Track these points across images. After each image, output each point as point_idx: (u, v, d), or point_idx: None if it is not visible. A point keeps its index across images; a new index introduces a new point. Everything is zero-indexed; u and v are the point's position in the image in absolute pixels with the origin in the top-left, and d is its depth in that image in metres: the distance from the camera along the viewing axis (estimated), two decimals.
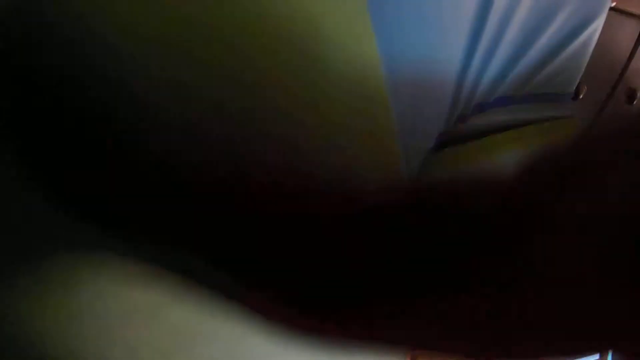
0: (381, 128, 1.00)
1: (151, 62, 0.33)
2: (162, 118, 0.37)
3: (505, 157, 1.64)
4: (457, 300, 0.57)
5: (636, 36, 1.75)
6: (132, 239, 0.46)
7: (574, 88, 1.62)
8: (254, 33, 0.39)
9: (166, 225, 0.48)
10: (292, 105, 0.48)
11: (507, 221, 0.62)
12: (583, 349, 0.55)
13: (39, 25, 0.37)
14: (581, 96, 1.77)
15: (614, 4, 1.79)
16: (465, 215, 0.67)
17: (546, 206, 0.57)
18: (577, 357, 0.55)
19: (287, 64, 0.46)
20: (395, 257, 0.66)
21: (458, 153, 1.60)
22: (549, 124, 1.64)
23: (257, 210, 0.52)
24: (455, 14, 1.20)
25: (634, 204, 0.48)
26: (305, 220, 0.57)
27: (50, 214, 0.40)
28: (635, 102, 2.04)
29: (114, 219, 0.44)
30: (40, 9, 0.37)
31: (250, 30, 0.39)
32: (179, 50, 0.35)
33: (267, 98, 0.44)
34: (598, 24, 1.46)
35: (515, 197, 0.66)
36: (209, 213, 0.48)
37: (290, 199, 0.56)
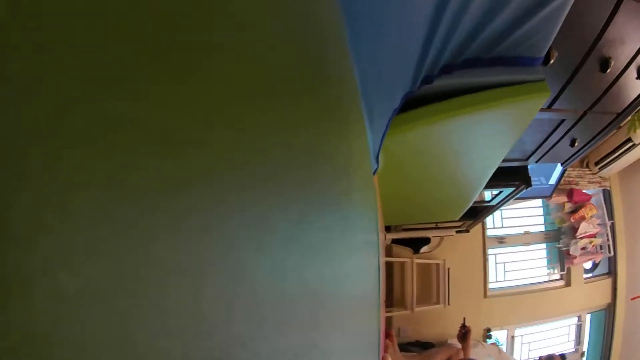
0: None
1: None
2: None
3: (471, 119, 1.61)
4: None
5: (612, 5, 1.71)
6: None
7: (545, 53, 1.58)
8: None
9: None
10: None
11: None
12: None
13: None
14: (552, 61, 1.72)
15: None
16: None
17: None
18: None
19: None
20: None
21: (425, 113, 1.57)
22: (518, 87, 1.60)
23: None
24: None
25: None
26: None
27: None
28: (608, 71, 2.01)
29: None
30: None
31: None
32: None
33: None
34: None
35: None
36: None
37: None
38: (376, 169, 1.73)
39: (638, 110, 3.02)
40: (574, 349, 5.59)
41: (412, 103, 1.56)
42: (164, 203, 0.28)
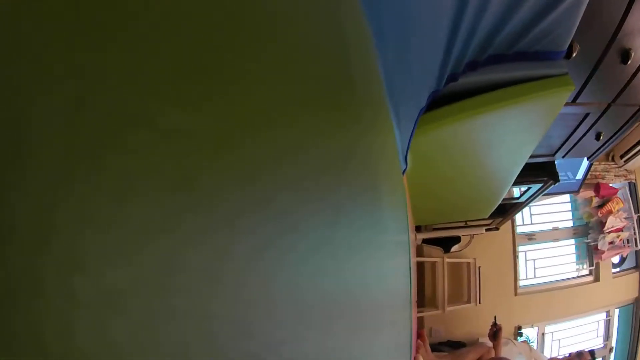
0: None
1: None
2: None
3: (497, 116, 1.60)
4: None
5: None
6: None
7: (567, 47, 1.57)
8: None
9: None
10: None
11: None
12: None
13: None
14: (574, 55, 1.71)
15: None
16: None
17: None
18: None
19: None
20: None
21: (452, 111, 1.56)
22: (542, 82, 1.59)
23: None
24: None
25: None
26: None
27: None
28: (629, 62, 1.98)
29: None
30: None
31: None
32: None
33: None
34: None
35: None
36: None
37: None
38: (405, 169, 1.73)
39: None
40: (602, 345, 5.50)
41: (439, 102, 1.55)
42: (218, 204, 0.29)
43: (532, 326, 5.15)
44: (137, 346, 0.21)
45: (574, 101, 2.18)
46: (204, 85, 0.29)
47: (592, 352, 3.33)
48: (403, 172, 1.72)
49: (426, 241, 4.48)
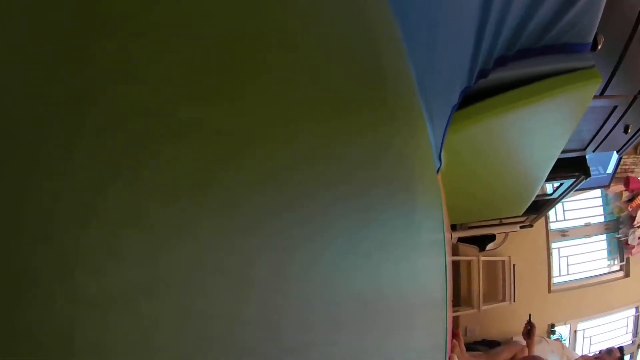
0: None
1: None
2: None
3: (528, 111, 1.60)
4: None
5: None
6: None
7: (592, 39, 1.57)
8: None
9: None
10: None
11: None
12: None
13: None
14: (599, 46, 1.70)
15: None
16: None
17: None
18: None
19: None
20: None
21: (484, 107, 1.57)
22: (571, 75, 1.59)
23: None
24: None
25: None
26: None
27: None
28: None
29: None
30: None
31: None
32: None
33: None
34: None
35: None
36: None
37: None
38: (439, 168, 1.73)
39: None
40: (631, 341, 5.42)
41: (470, 99, 1.56)
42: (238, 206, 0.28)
43: (565, 324, 5.09)
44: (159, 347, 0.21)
45: (601, 94, 2.17)
46: (235, 85, 0.29)
47: (621, 349, 3.29)
48: (438, 170, 1.72)
49: (461, 240, 4.46)
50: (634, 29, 1.82)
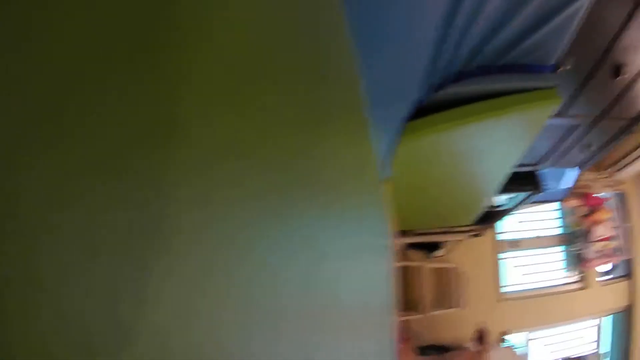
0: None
1: None
2: None
3: (483, 126, 1.59)
4: None
5: (625, 14, 1.68)
6: None
7: (556, 60, 1.55)
8: None
9: None
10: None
11: None
12: None
13: None
14: (562, 69, 1.69)
15: None
16: None
17: None
18: None
19: None
20: None
21: (436, 120, 1.54)
22: (529, 94, 1.58)
23: None
24: None
25: None
26: None
27: None
28: (619, 77, 1.97)
29: None
30: None
31: None
32: None
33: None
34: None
35: None
36: None
37: None
38: (388, 176, 1.71)
39: None
40: (593, 351, 5.51)
41: (425, 110, 1.54)
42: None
43: (518, 332, 5.15)
44: None
45: (563, 113, 2.18)
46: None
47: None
48: (386, 179, 1.70)
49: (410, 246, 4.47)
50: (606, 53, 1.84)
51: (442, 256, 4.67)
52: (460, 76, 1.46)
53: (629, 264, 5.39)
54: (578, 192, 4.85)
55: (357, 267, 1.00)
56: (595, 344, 5.55)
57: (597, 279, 5.40)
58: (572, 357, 3.31)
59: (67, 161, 0.19)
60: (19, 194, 0.17)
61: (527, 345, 5.29)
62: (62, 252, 0.19)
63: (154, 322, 0.25)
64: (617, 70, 1.95)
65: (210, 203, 0.33)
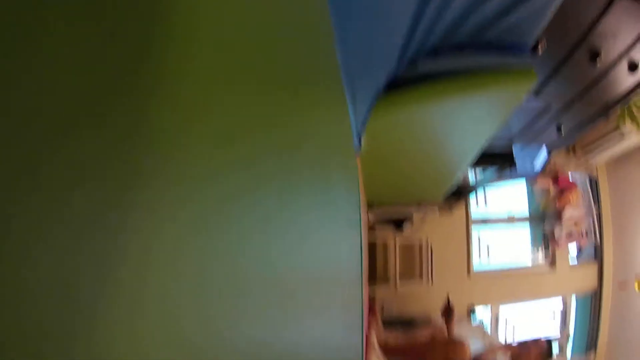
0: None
1: None
2: None
3: (457, 102, 1.58)
4: None
5: (605, 2, 1.68)
6: None
7: (534, 41, 1.54)
8: None
9: None
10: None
11: None
12: None
13: None
14: (540, 50, 1.69)
15: None
16: None
17: None
18: None
19: None
20: None
21: (410, 95, 1.53)
22: (506, 73, 1.57)
23: None
24: None
25: None
26: None
27: None
28: (597, 62, 1.97)
29: None
30: None
31: None
32: None
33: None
34: None
35: None
36: None
37: None
38: (360, 150, 1.70)
39: (627, 104, 2.97)
40: (559, 333, 5.59)
41: (399, 85, 1.53)
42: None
43: (485, 306, 5.21)
44: None
45: (538, 93, 2.19)
46: None
47: (548, 341, 3.36)
48: (358, 153, 1.69)
49: (379, 220, 4.48)
50: (583, 38, 1.86)
51: (411, 231, 4.68)
52: (436, 52, 1.45)
53: (598, 248, 5.47)
54: (550, 173, 4.90)
55: (330, 240, 1.00)
56: (563, 325, 5.63)
57: (566, 260, 5.47)
58: (541, 338, 3.33)
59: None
60: None
61: (496, 326, 5.36)
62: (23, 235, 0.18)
63: (121, 305, 0.25)
64: (594, 55, 1.96)
65: (183, 179, 0.32)
